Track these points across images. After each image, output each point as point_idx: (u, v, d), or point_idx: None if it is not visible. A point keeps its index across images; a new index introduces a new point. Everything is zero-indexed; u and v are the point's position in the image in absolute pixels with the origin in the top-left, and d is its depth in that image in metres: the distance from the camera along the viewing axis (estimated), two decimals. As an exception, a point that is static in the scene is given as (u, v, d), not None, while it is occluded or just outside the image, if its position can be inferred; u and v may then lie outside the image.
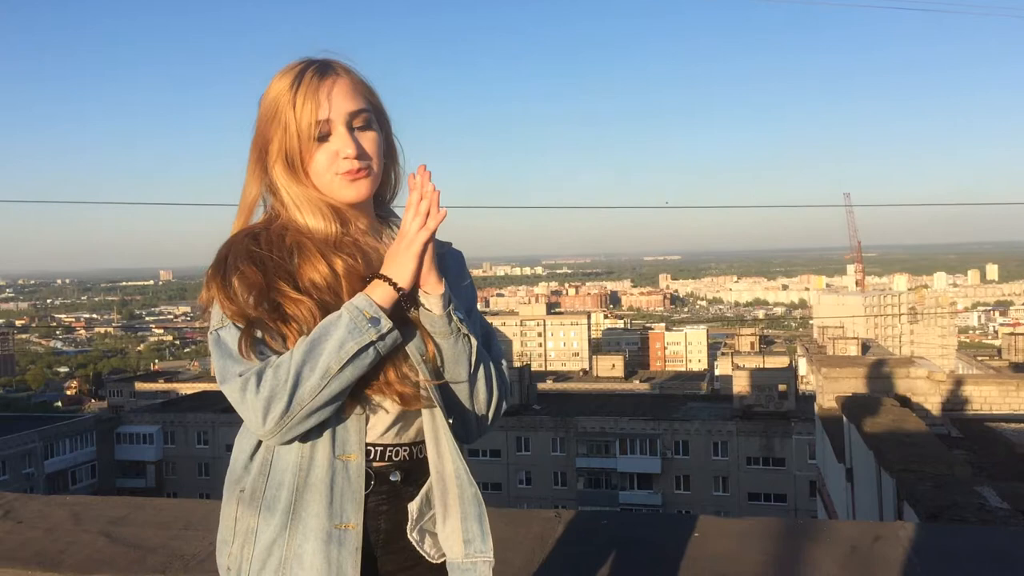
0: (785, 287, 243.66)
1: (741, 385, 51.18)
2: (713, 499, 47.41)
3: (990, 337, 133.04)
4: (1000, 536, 3.06)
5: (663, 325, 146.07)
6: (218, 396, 60.78)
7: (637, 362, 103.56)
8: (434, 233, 1.50)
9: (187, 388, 72.92)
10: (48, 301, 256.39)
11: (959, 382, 14.73)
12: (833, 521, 3.95)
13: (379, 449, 1.59)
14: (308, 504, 1.53)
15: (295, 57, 1.62)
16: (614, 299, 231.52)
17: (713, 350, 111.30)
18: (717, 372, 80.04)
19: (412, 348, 1.56)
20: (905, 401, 12.65)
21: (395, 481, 1.61)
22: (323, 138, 1.57)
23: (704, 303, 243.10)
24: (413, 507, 1.62)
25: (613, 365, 75.50)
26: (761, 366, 59.69)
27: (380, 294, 1.50)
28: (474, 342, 1.58)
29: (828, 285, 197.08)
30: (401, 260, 1.51)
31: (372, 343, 1.47)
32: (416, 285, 1.54)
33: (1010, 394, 14.17)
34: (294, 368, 1.44)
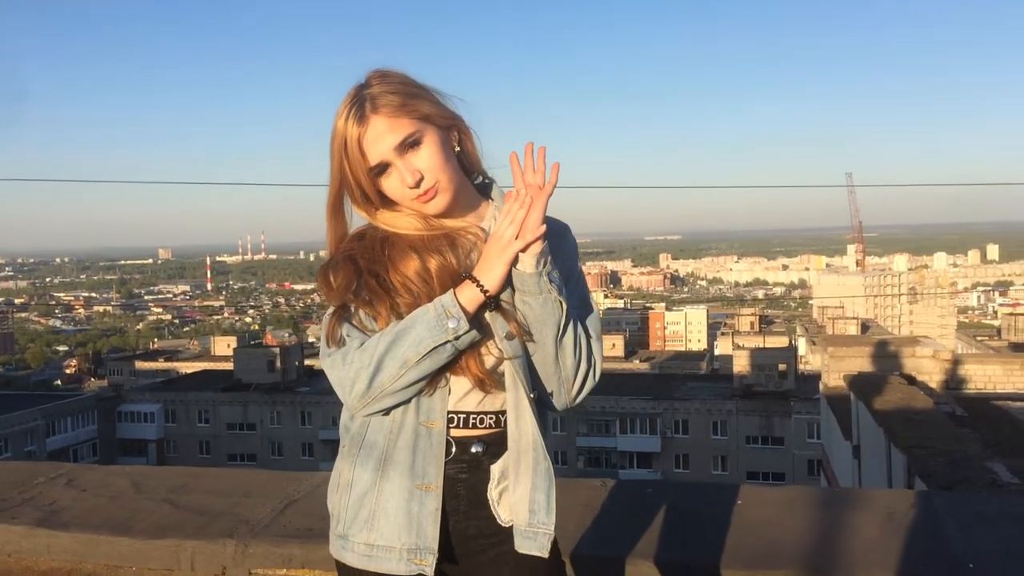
0: (785, 267, 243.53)
1: (741, 365, 51.41)
2: (712, 478, 47.63)
3: (989, 317, 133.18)
4: (1030, 504, 3.18)
5: (663, 305, 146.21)
6: (219, 375, 61.05)
7: (637, 342, 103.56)
8: (530, 244, 1.60)
9: (187, 367, 73.10)
10: (47, 280, 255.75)
11: (964, 361, 14.87)
12: (869, 490, 4.08)
13: (462, 416, 1.70)
14: (395, 464, 1.67)
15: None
16: (614, 279, 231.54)
17: (713, 330, 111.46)
18: (717, 352, 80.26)
19: (496, 326, 1.67)
20: (910, 380, 12.78)
21: (476, 453, 1.71)
22: (385, 174, 1.67)
23: (704, 283, 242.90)
24: (496, 468, 1.72)
25: (613, 345, 75.60)
26: (761, 346, 59.88)
27: (467, 296, 1.62)
28: (564, 305, 1.64)
29: (828, 265, 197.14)
30: (492, 265, 1.62)
31: (449, 341, 1.60)
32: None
33: (1014, 373, 14.31)
34: (377, 354, 1.60)
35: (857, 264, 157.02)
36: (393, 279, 1.67)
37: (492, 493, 1.73)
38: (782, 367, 50.44)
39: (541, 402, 1.73)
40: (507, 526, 1.72)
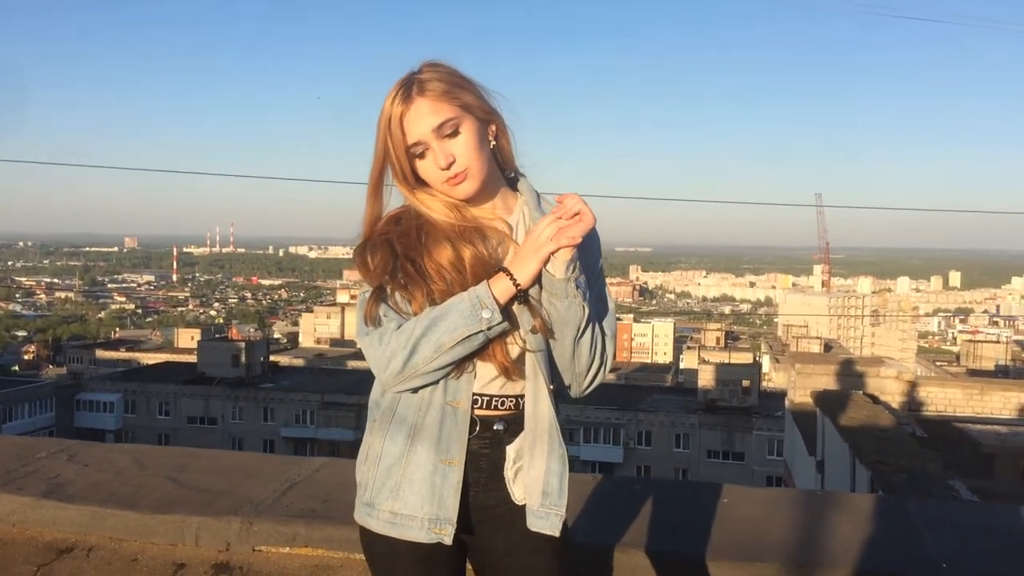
0: (752, 284, 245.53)
1: (706, 379, 51.84)
2: (673, 490, 47.85)
3: (949, 343, 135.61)
4: (998, 512, 3.35)
5: (631, 316, 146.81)
6: (181, 367, 60.37)
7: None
8: (562, 247, 1.70)
9: (149, 358, 72.19)
10: (9, 263, 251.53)
11: (925, 384, 15.22)
12: (848, 493, 4.26)
13: (486, 398, 1.82)
14: (422, 440, 1.79)
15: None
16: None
17: (679, 344, 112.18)
18: (682, 365, 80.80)
19: (523, 319, 1.78)
20: (874, 399, 13.05)
21: (498, 430, 1.83)
22: (421, 155, 1.79)
23: (672, 296, 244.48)
24: (511, 449, 1.85)
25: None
26: (726, 361, 60.41)
27: (500, 288, 1.73)
28: (586, 310, 1.76)
29: (794, 284, 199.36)
30: (526, 260, 1.73)
31: (482, 331, 1.72)
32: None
33: (974, 397, 14.66)
34: (414, 337, 1.71)
35: (823, 284, 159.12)
36: (428, 266, 1.77)
37: (508, 472, 1.85)
38: (746, 383, 51.00)
39: (557, 391, 1.85)
40: (521, 504, 1.84)
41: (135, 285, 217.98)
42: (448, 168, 1.76)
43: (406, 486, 1.79)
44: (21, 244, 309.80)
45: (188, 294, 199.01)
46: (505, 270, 1.74)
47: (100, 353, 77.21)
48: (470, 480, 1.82)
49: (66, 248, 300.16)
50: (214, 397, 53.96)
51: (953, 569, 2.65)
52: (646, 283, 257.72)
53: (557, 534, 1.80)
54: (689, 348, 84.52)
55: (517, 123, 1.90)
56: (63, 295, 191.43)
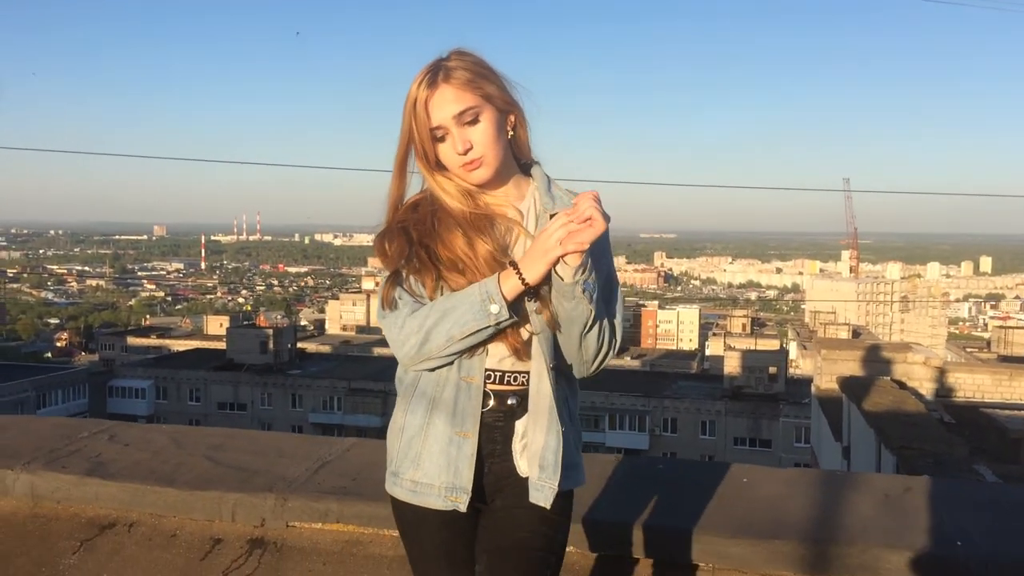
0: (779, 270, 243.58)
1: (732, 366, 51.62)
2: (699, 477, 47.73)
3: (980, 329, 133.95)
4: (1015, 491, 3.39)
5: (656, 303, 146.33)
6: (211, 354, 61.14)
7: (629, 339, 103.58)
8: (569, 253, 1.75)
9: (179, 345, 73.15)
10: (41, 251, 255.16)
11: (954, 369, 15.13)
12: (866, 473, 4.27)
13: (499, 374, 1.93)
14: (440, 414, 1.92)
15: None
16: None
17: (705, 330, 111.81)
18: (708, 352, 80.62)
19: (531, 307, 1.88)
20: (901, 385, 13.01)
21: (512, 404, 1.94)
22: (442, 139, 1.89)
23: (698, 283, 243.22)
24: (519, 424, 1.95)
25: (606, 341, 75.40)
26: (752, 348, 60.11)
27: (509, 285, 1.81)
28: (593, 312, 1.83)
29: (822, 270, 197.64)
30: (535, 261, 1.81)
31: (490, 326, 1.82)
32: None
33: (1003, 383, 14.57)
34: (426, 327, 1.84)
35: (851, 270, 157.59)
36: (441, 252, 1.89)
37: (516, 445, 1.95)
38: (772, 370, 50.74)
39: (559, 370, 1.93)
40: (525, 477, 1.94)
41: (164, 273, 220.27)
42: (465, 154, 1.86)
43: (425, 457, 1.92)
44: (52, 232, 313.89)
45: (216, 282, 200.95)
46: (515, 265, 1.82)
47: (131, 340, 78.33)
48: (486, 452, 1.93)
49: (96, 236, 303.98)
50: (243, 383, 54.65)
51: (968, 546, 2.70)
52: (671, 269, 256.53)
53: (547, 506, 1.89)
54: (715, 335, 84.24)
55: (537, 114, 1.99)
56: (94, 283, 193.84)
